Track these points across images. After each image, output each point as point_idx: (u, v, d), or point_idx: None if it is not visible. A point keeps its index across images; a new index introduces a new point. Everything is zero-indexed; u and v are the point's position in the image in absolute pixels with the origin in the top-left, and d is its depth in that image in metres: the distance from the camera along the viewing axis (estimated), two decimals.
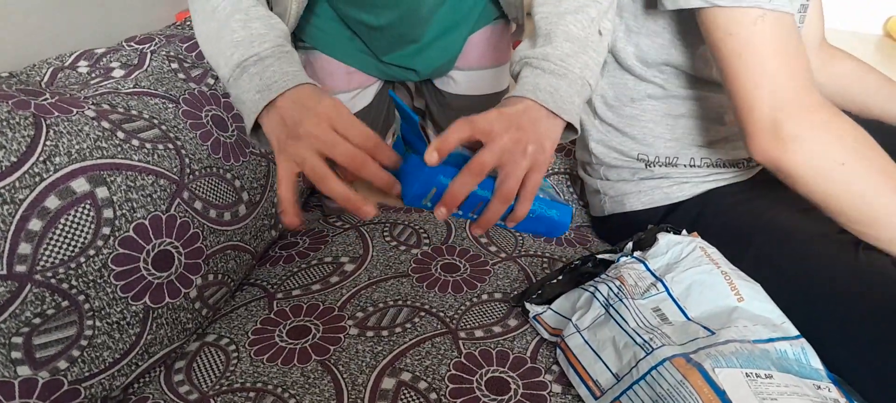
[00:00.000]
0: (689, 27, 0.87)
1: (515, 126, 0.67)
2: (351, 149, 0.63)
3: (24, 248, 0.63)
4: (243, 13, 0.72)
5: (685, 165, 0.97)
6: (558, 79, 0.73)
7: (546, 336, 0.78)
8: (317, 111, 0.65)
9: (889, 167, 0.76)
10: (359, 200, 0.63)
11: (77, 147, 0.69)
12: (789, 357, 0.67)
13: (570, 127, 0.74)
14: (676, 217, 0.96)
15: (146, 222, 0.73)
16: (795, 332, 0.70)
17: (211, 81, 0.93)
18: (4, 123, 0.64)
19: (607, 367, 0.68)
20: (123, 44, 0.91)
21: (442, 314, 0.82)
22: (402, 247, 0.96)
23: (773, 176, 0.81)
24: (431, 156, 0.62)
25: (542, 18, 0.78)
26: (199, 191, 0.81)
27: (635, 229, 0.87)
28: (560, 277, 0.82)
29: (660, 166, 0.98)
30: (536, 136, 0.68)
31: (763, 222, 0.86)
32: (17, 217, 0.63)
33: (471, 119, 0.66)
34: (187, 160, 0.80)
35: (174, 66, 0.90)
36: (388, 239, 0.98)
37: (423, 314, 0.82)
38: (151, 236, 0.74)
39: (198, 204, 0.80)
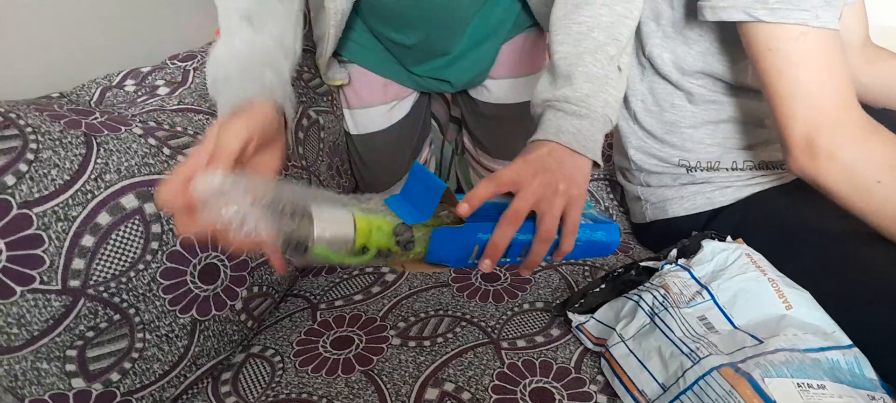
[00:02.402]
0: (729, 37, 0.86)
1: (542, 169, 0.68)
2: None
3: (78, 264, 0.65)
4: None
5: (727, 169, 0.95)
6: (581, 120, 0.74)
7: (590, 345, 0.77)
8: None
9: None
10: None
11: (126, 164, 0.71)
12: (842, 366, 0.65)
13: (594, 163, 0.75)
14: (719, 222, 0.95)
15: (192, 236, 0.75)
16: (848, 341, 0.68)
17: None
18: (57, 142, 0.66)
19: (653, 377, 0.67)
20: (167, 61, 0.93)
21: (483, 324, 0.82)
22: None
23: None
24: (463, 208, 0.63)
25: (561, 58, 0.78)
26: None
27: (678, 236, 0.85)
28: (602, 286, 0.82)
29: (701, 171, 0.97)
30: (565, 174, 0.69)
31: (810, 227, 0.84)
32: (71, 233, 0.65)
33: (495, 175, 0.67)
34: None
35: None
36: None
37: (464, 324, 0.82)
38: (198, 250, 0.75)
39: None
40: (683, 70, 0.92)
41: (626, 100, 1.02)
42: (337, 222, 0.56)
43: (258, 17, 0.77)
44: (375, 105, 1.13)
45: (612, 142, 1.17)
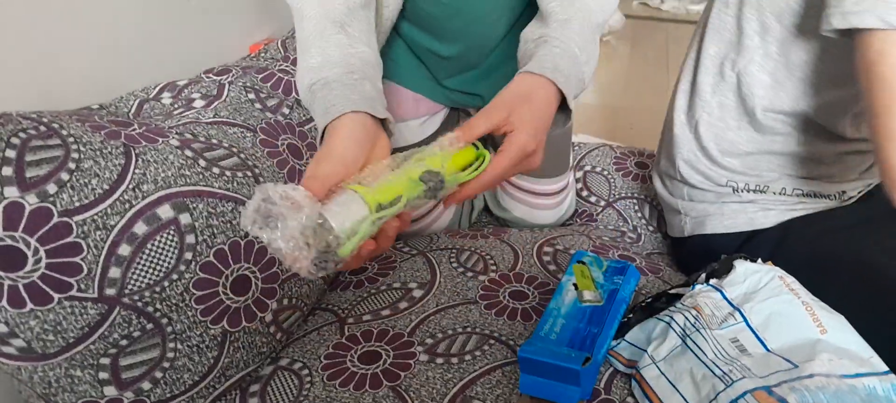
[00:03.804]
0: (831, 68, 0.85)
1: (539, 142, 0.72)
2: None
3: (114, 272, 0.66)
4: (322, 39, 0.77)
5: (775, 193, 0.94)
6: (573, 63, 0.78)
7: (620, 368, 0.77)
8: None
9: None
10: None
11: (163, 175, 0.72)
12: (879, 394, 0.64)
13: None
14: (758, 243, 0.94)
15: (226, 247, 0.76)
16: (885, 367, 0.67)
17: (286, 111, 0.96)
18: (98, 152, 0.67)
19: (685, 399, 0.67)
20: (203, 75, 0.95)
21: (512, 342, 0.82)
22: (469, 274, 0.96)
23: (858, 205, 0.78)
24: (460, 136, 0.67)
25: (556, 6, 0.81)
26: None
27: (715, 252, 0.84)
28: (631, 316, 0.81)
29: (748, 192, 0.96)
30: (542, 139, 0.73)
31: (850, 255, 0.83)
32: (109, 242, 0.66)
33: (490, 111, 0.71)
34: None
35: (251, 96, 0.93)
36: (454, 264, 0.99)
37: (492, 341, 0.82)
38: (230, 261, 0.76)
39: None
40: (774, 94, 0.91)
41: (691, 106, 1.01)
42: (345, 205, 0.57)
43: (350, 26, 0.79)
44: (407, 120, 1.14)
45: (658, 148, 1.15)
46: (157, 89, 0.90)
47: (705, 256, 0.83)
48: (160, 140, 0.75)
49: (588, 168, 1.33)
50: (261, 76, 0.98)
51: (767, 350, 0.69)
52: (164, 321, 0.71)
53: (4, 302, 0.61)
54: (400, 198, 0.60)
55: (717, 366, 0.66)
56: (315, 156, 0.66)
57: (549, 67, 0.75)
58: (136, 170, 0.70)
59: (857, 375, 0.64)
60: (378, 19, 0.94)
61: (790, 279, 0.76)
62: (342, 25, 0.78)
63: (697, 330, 0.70)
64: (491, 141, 0.75)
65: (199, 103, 0.89)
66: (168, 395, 0.72)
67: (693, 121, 1.00)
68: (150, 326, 0.70)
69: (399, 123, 1.14)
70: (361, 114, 0.70)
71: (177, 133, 0.79)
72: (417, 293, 0.92)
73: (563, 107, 0.79)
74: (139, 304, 0.68)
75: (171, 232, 0.71)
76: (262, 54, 1.07)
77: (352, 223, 0.56)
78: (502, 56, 1.06)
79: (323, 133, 0.71)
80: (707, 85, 0.97)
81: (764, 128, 0.93)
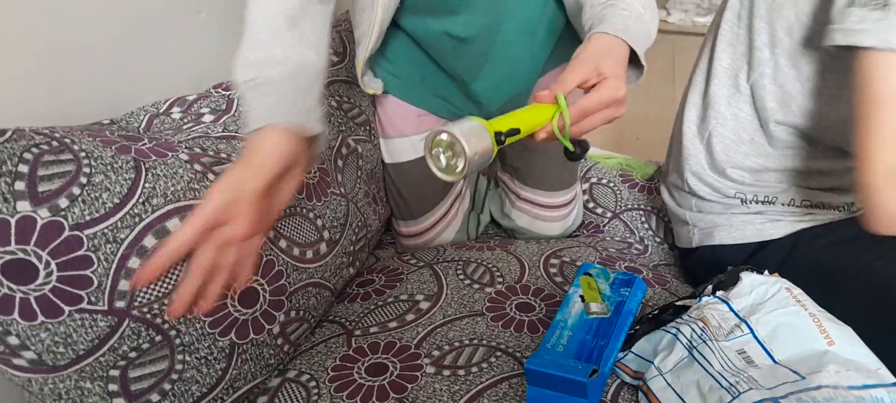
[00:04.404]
0: (837, 78, 0.85)
1: (625, 94, 0.74)
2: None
3: (124, 285, 0.67)
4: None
5: (783, 204, 0.94)
6: (639, 25, 0.80)
7: (627, 379, 0.77)
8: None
9: None
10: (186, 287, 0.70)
11: (172, 188, 0.73)
12: None
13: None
14: (766, 254, 0.94)
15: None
16: (892, 379, 0.67)
17: None
18: (109, 167, 0.68)
19: None
20: (212, 90, 0.96)
21: (519, 354, 0.82)
22: (476, 286, 0.96)
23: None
24: (545, 95, 0.71)
25: None
26: (283, 229, 0.84)
27: (723, 264, 0.84)
28: (637, 328, 0.81)
29: (757, 204, 0.96)
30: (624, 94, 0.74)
31: (858, 267, 0.83)
32: (119, 255, 0.67)
33: (578, 64, 0.73)
34: None
35: None
36: (461, 277, 0.99)
37: (499, 353, 0.82)
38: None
39: (282, 243, 0.83)
40: (786, 107, 0.91)
41: (705, 118, 1.01)
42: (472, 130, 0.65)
43: (302, 22, 0.80)
44: (409, 135, 1.14)
45: (666, 160, 1.16)
46: (167, 104, 0.90)
47: (713, 267, 0.84)
48: (170, 154, 0.76)
49: (594, 179, 1.33)
50: None
51: (774, 361, 0.69)
52: (173, 333, 0.71)
53: (16, 315, 0.62)
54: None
55: (724, 378, 0.66)
56: (236, 163, 0.72)
57: (621, 28, 0.77)
58: (146, 185, 0.70)
59: (865, 386, 0.64)
60: (372, 15, 0.94)
61: (797, 290, 0.76)
62: (294, 21, 0.79)
63: (704, 342, 0.70)
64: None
65: (208, 117, 0.90)
66: None
67: (705, 134, 1.00)
68: (158, 338, 0.70)
69: (402, 138, 1.14)
70: (290, 130, 0.73)
71: (186, 147, 0.80)
72: (424, 305, 0.92)
73: (635, 64, 0.82)
74: (148, 316, 0.69)
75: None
76: None
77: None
78: (526, 40, 1.05)
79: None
80: (721, 97, 0.97)
81: (776, 142, 0.93)
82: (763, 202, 0.95)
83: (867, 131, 0.76)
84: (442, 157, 0.67)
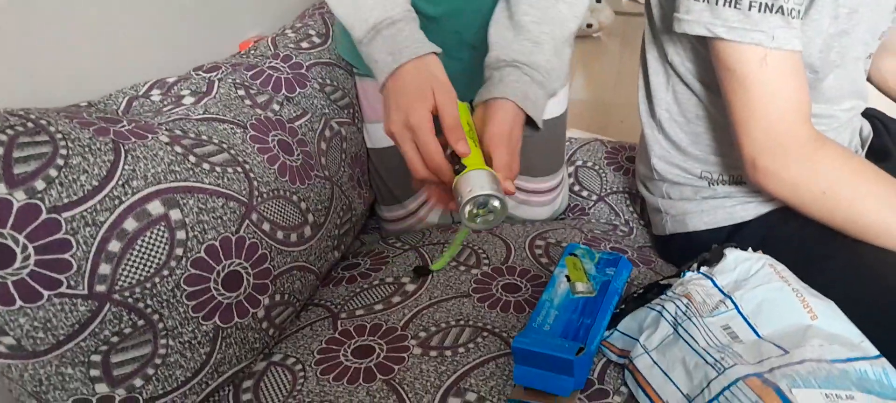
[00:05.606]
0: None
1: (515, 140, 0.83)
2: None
3: (104, 269, 0.66)
4: None
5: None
6: (543, 91, 0.84)
7: (614, 358, 0.77)
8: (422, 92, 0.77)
9: (877, 188, 0.81)
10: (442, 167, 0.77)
11: (152, 171, 0.71)
12: (870, 377, 0.64)
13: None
14: (741, 238, 0.94)
15: (217, 243, 0.76)
16: (875, 352, 0.67)
17: (276, 107, 0.96)
18: (86, 149, 0.67)
19: (678, 388, 0.67)
20: (192, 72, 0.94)
21: (505, 334, 0.82)
22: (462, 267, 0.96)
23: None
24: (509, 186, 0.78)
25: (530, 21, 0.86)
26: (267, 213, 0.83)
27: (698, 250, 0.85)
28: (622, 306, 0.81)
29: (723, 185, 0.97)
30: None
31: (836, 244, 0.84)
32: (98, 238, 0.66)
33: (500, 138, 0.80)
34: (255, 183, 0.83)
35: (241, 92, 0.93)
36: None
37: (485, 334, 0.82)
38: (222, 257, 0.76)
39: (266, 226, 0.82)
40: (703, 82, 0.92)
41: (652, 108, 1.02)
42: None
43: None
44: None
45: (636, 152, 1.17)
46: (147, 86, 0.89)
47: (689, 255, 0.84)
48: (150, 136, 0.74)
49: (579, 163, 1.33)
50: (251, 73, 0.98)
51: (759, 336, 0.69)
52: (156, 317, 0.70)
53: None
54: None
55: (709, 354, 0.66)
56: (439, 89, 0.78)
57: (519, 96, 0.82)
58: (126, 167, 0.69)
59: (848, 360, 0.64)
60: None
61: (780, 267, 0.76)
62: None
63: (689, 318, 0.71)
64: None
65: (188, 100, 0.88)
66: (160, 392, 0.72)
67: (657, 121, 1.02)
68: (141, 323, 0.69)
69: (378, 123, 1.13)
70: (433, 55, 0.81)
71: (166, 129, 0.78)
72: (410, 287, 0.92)
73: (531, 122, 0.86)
74: (130, 301, 0.68)
75: (162, 228, 0.71)
76: (252, 51, 1.06)
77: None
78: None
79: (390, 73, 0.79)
80: (659, 84, 1.01)
81: (714, 116, 0.94)
82: (730, 182, 0.96)
83: (732, 115, 0.85)
84: (479, 219, 0.76)
